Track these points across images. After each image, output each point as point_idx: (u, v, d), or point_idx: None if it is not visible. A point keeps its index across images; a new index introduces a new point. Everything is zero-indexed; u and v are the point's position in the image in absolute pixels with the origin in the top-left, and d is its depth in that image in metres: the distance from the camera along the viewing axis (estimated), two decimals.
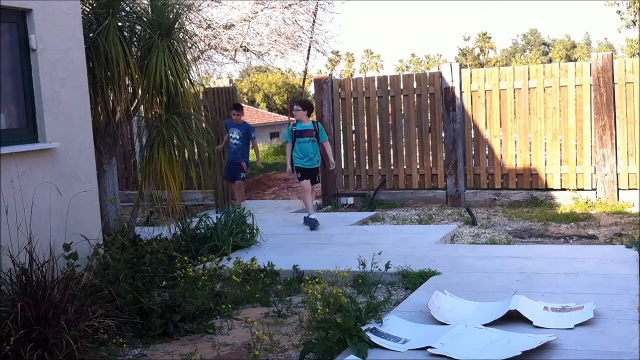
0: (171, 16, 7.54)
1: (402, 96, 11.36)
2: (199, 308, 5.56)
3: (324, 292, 5.68)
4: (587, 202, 10.17)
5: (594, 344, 4.44)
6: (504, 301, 5.20)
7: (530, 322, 4.85)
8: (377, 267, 6.05)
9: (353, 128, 11.74)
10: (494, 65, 73.33)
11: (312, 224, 9.18)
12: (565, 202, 10.34)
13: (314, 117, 11.83)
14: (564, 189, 10.52)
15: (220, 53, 15.52)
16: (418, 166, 11.32)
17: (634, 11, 27.03)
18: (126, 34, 7.57)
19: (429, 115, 11.25)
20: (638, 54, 34.12)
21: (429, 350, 4.44)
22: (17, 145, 5.69)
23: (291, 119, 14.48)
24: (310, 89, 11.81)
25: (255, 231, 8.11)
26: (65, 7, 6.27)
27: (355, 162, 11.76)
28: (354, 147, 11.77)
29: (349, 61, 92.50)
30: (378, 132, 11.59)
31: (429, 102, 11.22)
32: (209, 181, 12.21)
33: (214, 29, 14.67)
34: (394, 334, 4.76)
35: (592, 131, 10.29)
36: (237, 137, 10.65)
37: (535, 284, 5.90)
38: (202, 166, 8.14)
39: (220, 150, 10.96)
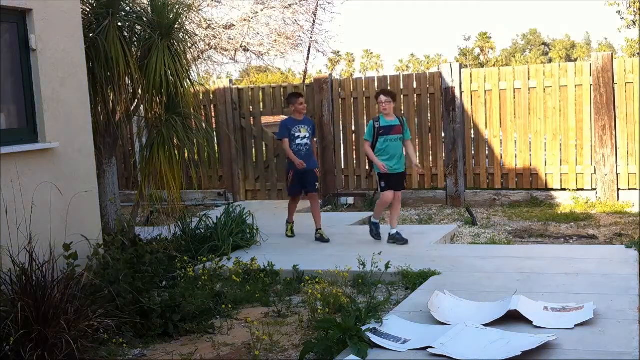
0: (171, 16, 7.55)
1: (402, 96, 11.35)
2: (199, 308, 5.56)
3: (324, 292, 5.68)
4: (587, 202, 10.17)
5: (594, 344, 4.45)
6: (504, 301, 5.20)
7: (530, 322, 4.85)
8: (377, 267, 6.05)
9: (353, 128, 11.73)
10: (494, 65, 73.32)
11: (375, 232, 8.14)
12: (565, 202, 10.34)
13: (315, 117, 11.83)
14: (564, 189, 10.52)
15: (220, 53, 15.51)
16: None
17: (634, 11, 27.00)
18: (126, 34, 7.58)
19: (429, 115, 11.25)
20: (638, 54, 34.11)
21: (429, 350, 4.44)
22: (17, 145, 5.70)
23: (280, 117, 14.12)
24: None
25: (255, 231, 8.11)
26: (65, 7, 6.28)
27: (355, 162, 11.75)
28: (354, 147, 11.77)
29: (349, 61, 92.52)
30: None
31: (429, 102, 11.22)
32: (215, 178, 12.27)
33: (214, 29, 14.67)
34: (394, 334, 4.76)
35: (592, 131, 10.29)
36: (306, 135, 8.40)
37: (535, 284, 5.90)
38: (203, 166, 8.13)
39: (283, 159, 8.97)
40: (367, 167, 11.58)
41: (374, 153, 7.89)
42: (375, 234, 8.08)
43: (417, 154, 11.29)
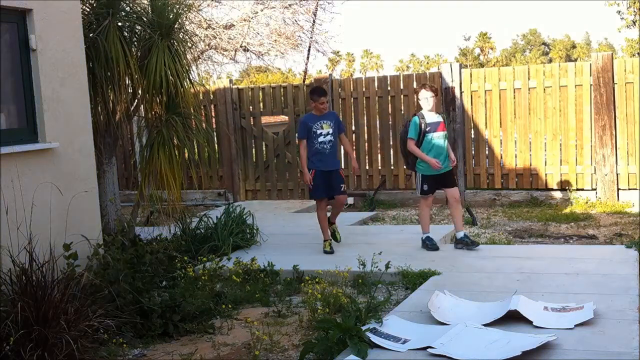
0: (171, 16, 7.54)
1: (402, 96, 11.36)
2: (199, 308, 5.56)
3: (324, 292, 5.68)
4: (587, 202, 10.17)
5: (594, 344, 4.45)
6: (504, 301, 5.19)
7: (530, 322, 4.85)
8: (377, 267, 6.05)
9: (353, 128, 11.74)
10: (494, 65, 73.32)
11: (429, 245, 7.51)
12: (565, 202, 10.34)
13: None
14: (564, 189, 10.52)
15: (220, 53, 15.51)
16: None
17: (634, 11, 27.00)
18: (126, 34, 7.57)
19: None
20: (638, 53, 34.11)
21: (429, 350, 4.44)
22: (17, 145, 5.69)
23: (280, 117, 14.00)
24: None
25: (255, 231, 8.11)
26: (65, 7, 6.27)
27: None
28: (354, 147, 11.75)
29: (349, 61, 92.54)
30: (378, 132, 11.59)
31: None
32: (215, 178, 12.27)
33: (214, 29, 14.67)
34: (394, 334, 4.76)
35: (592, 131, 10.29)
36: (330, 131, 7.58)
37: (535, 284, 5.90)
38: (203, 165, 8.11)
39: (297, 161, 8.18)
40: (366, 167, 11.60)
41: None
42: (431, 245, 7.48)
43: None
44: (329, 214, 7.91)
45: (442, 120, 7.50)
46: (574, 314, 4.96)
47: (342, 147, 8.44)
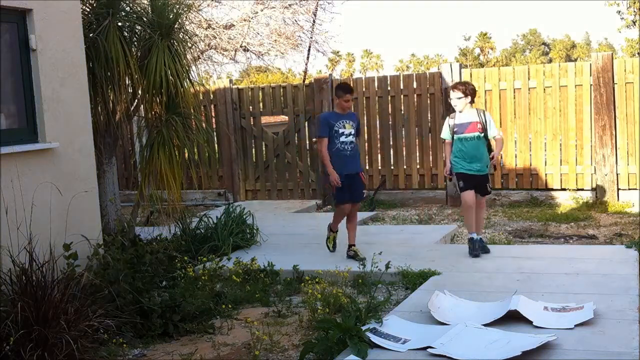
0: (171, 16, 7.55)
1: (402, 96, 11.36)
2: (199, 308, 5.56)
3: (324, 292, 5.68)
4: (587, 202, 10.17)
5: (594, 344, 4.45)
6: (504, 301, 5.19)
7: (530, 322, 4.85)
8: (377, 267, 6.06)
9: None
10: (494, 65, 73.30)
11: (473, 249, 7.08)
12: (565, 202, 10.34)
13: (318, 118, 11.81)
14: (564, 189, 10.52)
15: (220, 53, 15.52)
16: (418, 166, 11.32)
17: (634, 11, 27.00)
18: (126, 34, 7.57)
19: (429, 115, 11.25)
20: (638, 53, 34.11)
21: (429, 350, 4.44)
22: (17, 145, 5.69)
23: (280, 117, 13.94)
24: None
25: (255, 231, 8.11)
26: (65, 7, 6.27)
27: None
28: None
29: (349, 61, 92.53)
30: (378, 132, 11.59)
31: (429, 102, 11.22)
32: (215, 178, 12.27)
33: (214, 29, 14.67)
34: (394, 334, 4.76)
35: (592, 131, 10.29)
36: (352, 131, 7.15)
37: (535, 284, 5.90)
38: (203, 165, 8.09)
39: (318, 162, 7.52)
40: (366, 167, 11.59)
41: (450, 154, 7.25)
42: (472, 250, 7.07)
43: (418, 153, 11.32)
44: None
45: (475, 120, 7.07)
46: (574, 314, 4.96)
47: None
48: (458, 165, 7.10)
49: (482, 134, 7.06)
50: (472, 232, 7.13)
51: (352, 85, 11.61)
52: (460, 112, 7.11)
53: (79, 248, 5.53)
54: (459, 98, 7.08)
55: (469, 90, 7.12)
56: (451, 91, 7.20)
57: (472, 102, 7.17)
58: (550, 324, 4.81)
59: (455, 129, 7.12)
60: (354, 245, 7.18)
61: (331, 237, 7.47)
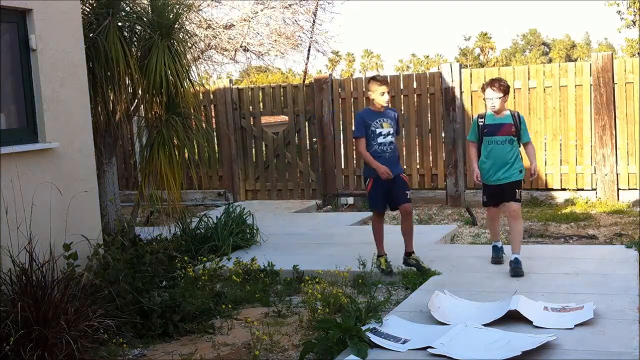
0: (171, 16, 7.55)
1: (402, 96, 11.35)
2: (199, 308, 5.56)
3: (324, 292, 5.68)
4: (587, 202, 10.17)
5: (594, 344, 4.45)
6: (504, 301, 5.20)
7: (530, 322, 4.85)
8: (377, 267, 6.05)
9: (353, 128, 11.71)
10: (494, 65, 73.29)
11: (494, 257, 6.71)
12: (565, 202, 10.34)
13: (318, 117, 11.82)
14: (564, 189, 10.52)
15: (220, 53, 15.51)
16: (418, 166, 11.32)
17: (634, 11, 27.01)
18: (126, 34, 7.58)
19: (429, 115, 11.25)
20: (638, 53, 34.11)
21: (429, 350, 4.45)
22: (17, 145, 5.70)
23: (280, 117, 13.90)
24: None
25: (255, 231, 8.11)
26: (65, 7, 6.27)
27: (355, 162, 11.75)
28: (354, 147, 11.75)
29: (349, 61, 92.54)
30: None
31: (429, 102, 11.22)
32: (215, 178, 12.27)
33: (214, 29, 14.67)
34: (394, 334, 4.76)
35: (592, 131, 10.30)
36: (390, 131, 6.49)
37: (535, 284, 5.90)
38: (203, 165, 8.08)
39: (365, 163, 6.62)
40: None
41: (476, 158, 6.56)
42: (493, 257, 6.71)
43: (418, 153, 11.31)
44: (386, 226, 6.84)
45: (509, 122, 6.42)
46: (574, 314, 4.96)
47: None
48: (483, 174, 6.51)
49: (515, 138, 6.46)
50: (495, 240, 6.78)
51: (352, 85, 11.70)
52: (496, 112, 6.45)
53: (79, 248, 5.53)
54: (499, 97, 6.37)
55: (507, 89, 6.49)
56: (489, 89, 6.43)
57: (505, 101, 6.59)
58: (550, 324, 4.81)
59: (485, 130, 6.45)
60: (413, 252, 6.47)
61: (382, 261, 6.53)
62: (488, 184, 6.51)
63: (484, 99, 6.59)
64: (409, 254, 6.47)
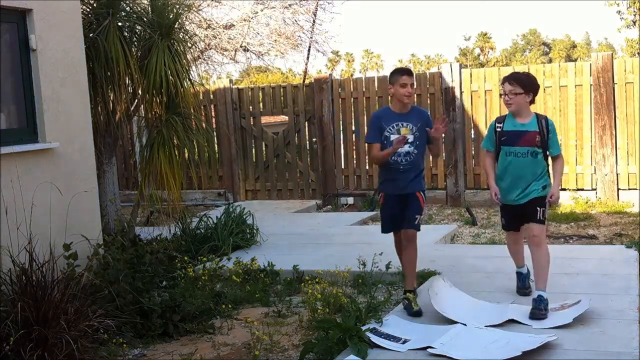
0: (171, 16, 7.55)
1: None
2: (199, 308, 5.56)
3: (324, 292, 5.68)
4: (587, 202, 10.17)
5: (594, 344, 4.45)
6: (502, 308, 5.19)
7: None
8: (377, 267, 6.06)
9: (353, 128, 11.74)
10: (494, 65, 73.28)
11: (520, 287, 5.63)
12: (565, 202, 10.34)
13: (318, 118, 11.81)
14: (564, 189, 10.51)
15: (220, 53, 15.51)
16: None
17: (634, 11, 26.98)
18: (126, 34, 7.58)
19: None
20: (638, 53, 34.11)
21: (429, 350, 4.45)
22: (17, 145, 5.70)
23: (280, 117, 13.90)
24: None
25: (255, 231, 8.11)
26: (65, 7, 6.27)
27: (355, 162, 11.76)
28: (354, 147, 11.77)
29: (349, 61, 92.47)
30: None
31: (429, 102, 11.22)
32: (215, 178, 12.27)
33: (214, 29, 14.67)
34: (394, 334, 4.77)
35: (592, 131, 10.30)
36: (410, 139, 5.29)
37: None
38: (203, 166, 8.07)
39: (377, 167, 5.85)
40: (366, 167, 11.57)
41: (494, 171, 5.32)
42: (519, 287, 5.62)
43: None
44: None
45: (533, 130, 5.11)
46: (572, 308, 5.01)
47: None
48: (500, 192, 5.29)
49: (540, 149, 5.14)
50: (519, 265, 5.68)
51: (352, 85, 11.70)
52: (516, 114, 5.18)
53: (79, 248, 5.53)
54: (517, 94, 5.09)
55: (531, 85, 5.17)
56: (506, 84, 5.17)
57: (532, 102, 5.19)
58: (550, 323, 4.81)
59: (503, 138, 5.19)
60: (411, 291, 5.32)
61: (411, 299, 5.28)
62: (506, 203, 5.33)
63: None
64: (407, 292, 5.35)
